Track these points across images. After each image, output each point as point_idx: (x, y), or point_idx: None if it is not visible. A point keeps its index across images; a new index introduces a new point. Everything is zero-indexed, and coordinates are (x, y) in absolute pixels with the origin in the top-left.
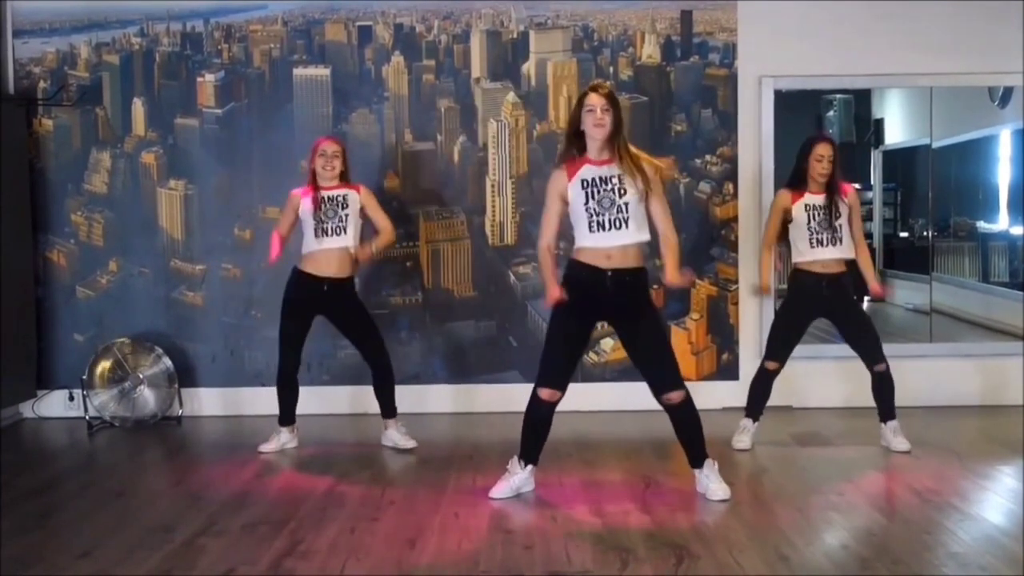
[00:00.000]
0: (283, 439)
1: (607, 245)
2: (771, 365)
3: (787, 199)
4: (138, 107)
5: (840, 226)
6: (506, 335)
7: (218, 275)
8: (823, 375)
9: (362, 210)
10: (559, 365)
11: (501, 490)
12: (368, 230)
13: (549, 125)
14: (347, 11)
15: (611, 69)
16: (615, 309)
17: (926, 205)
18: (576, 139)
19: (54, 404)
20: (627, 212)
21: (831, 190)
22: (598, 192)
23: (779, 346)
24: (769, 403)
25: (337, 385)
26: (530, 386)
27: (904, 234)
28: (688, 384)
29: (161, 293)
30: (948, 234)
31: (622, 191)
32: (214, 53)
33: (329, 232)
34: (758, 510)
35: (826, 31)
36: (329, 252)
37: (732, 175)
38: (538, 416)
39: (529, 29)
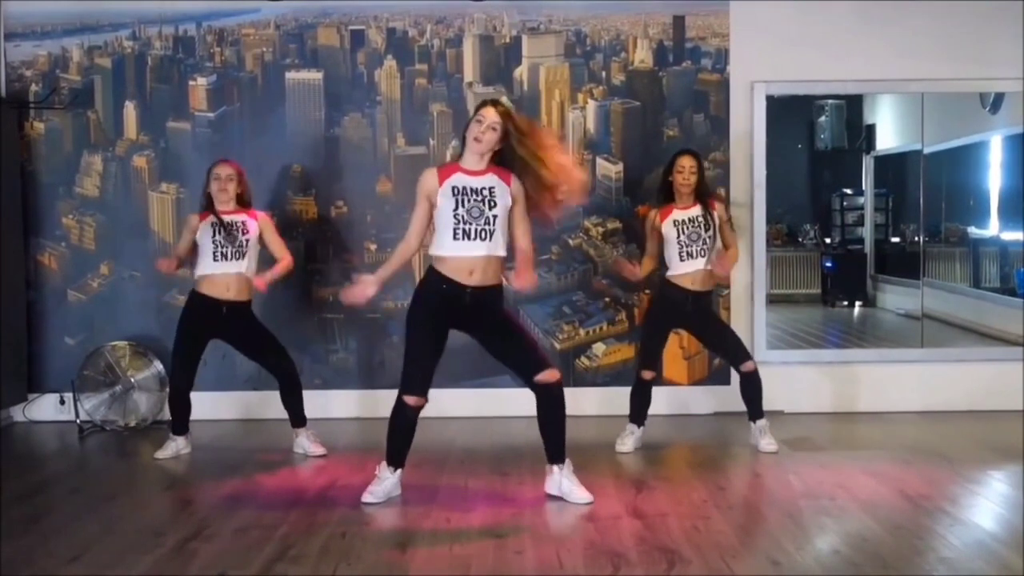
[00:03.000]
0: (179, 445)
1: (470, 255)
2: (647, 375)
3: (656, 219)
4: (130, 110)
5: (709, 238)
6: None
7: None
8: (814, 380)
9: (260, 236)
10: (424, 374)
11: (375, 495)
12: (265, 257)
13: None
14: (340, 15)
15: (603, 74)
16: (471, 322)
17: (917, 211)
18: (464, 144)
19: (45, 408)
20: (494, 225)
21: (703, 202)
22: (468, 200)
23: (651, 356)
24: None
25: (329, 389)
26: (523, 390)
27: (895, 239)
28: (680, 389)
29: (152, 297)
30: (939, 239)
31: (492, 203)
32: (206, 57)
33: (228, 256)
34: (749, 515)
35: (818, 37)
36: (227, 276)
37: (724, 180)
38: (405, 423)
39: (522, 34)
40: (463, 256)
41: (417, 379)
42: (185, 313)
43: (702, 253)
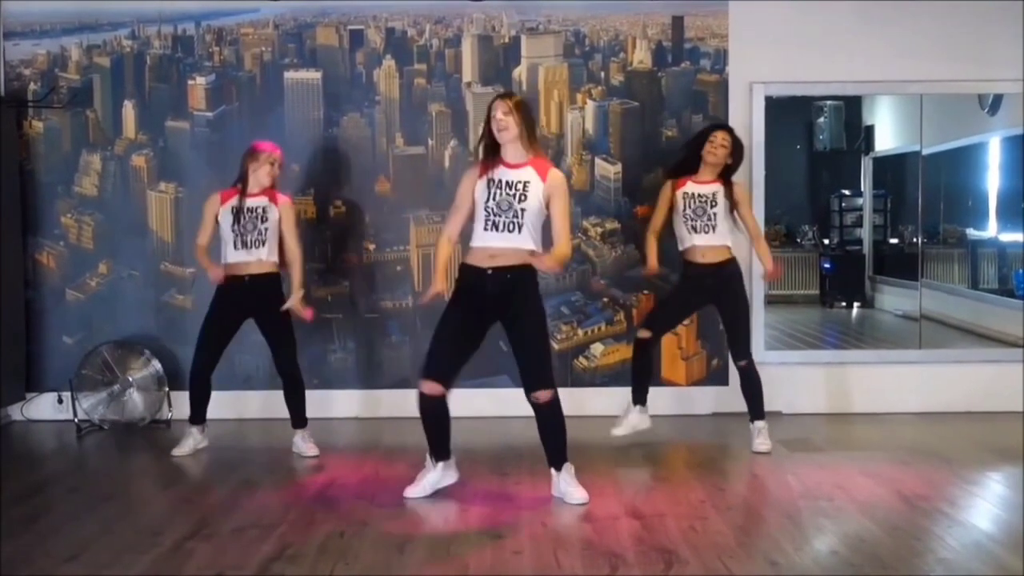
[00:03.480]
0: (196, 440)
1: (495, 245)
2: (643, 333)
3: (669, 190)
4: (129, 110)
5: (715, 215)
6: (496, 340)
7: (208, 278)
8: (812, 381)
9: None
10: (440, 359)
11: (415, 490)
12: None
13: (540, 130)
14: (339, 15)
15: (602, 74)
16: (498, 307)
17: (916, 212)
18: (492, 149)
19: (43, 407)
20: (522, 218)
21: (726, 180)
22: (500, 193)
23: (656, 316)
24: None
25: (327, 389)
26: (520, 390)
27: (894, 240)
28: (678, 390)
29: (151, 296)
30: (937, 241)
31: (523, 197)
32: (205, 56)
33: (249, 244)
34: (747, 516)
35: (817, 38)
36: (247, 263)
37: None
38: (426, 411)
39: (521, 34)
40: (489, 246)
41: (431, 364)
42: (213, 296)
43: (706, 229)
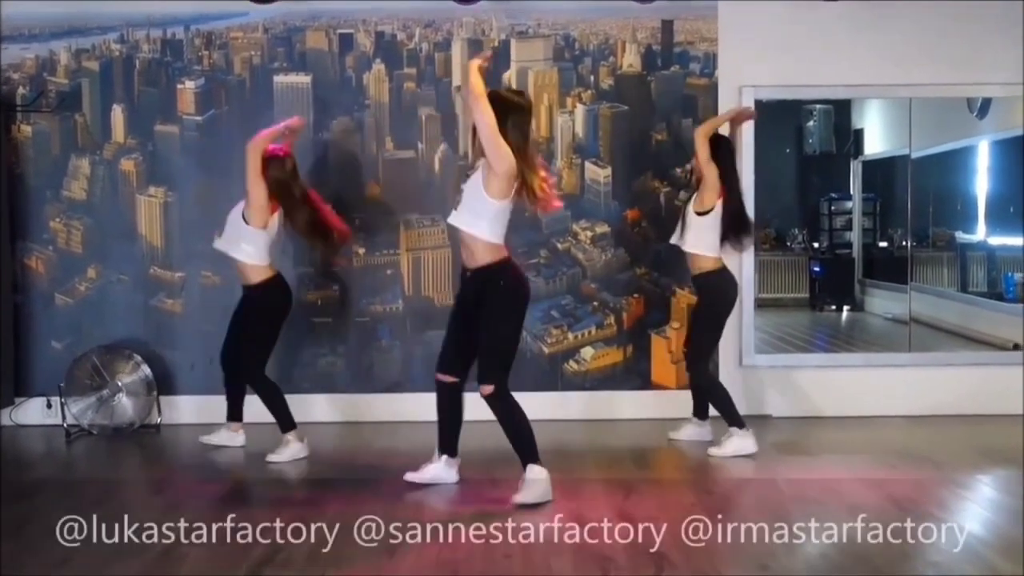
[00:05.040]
0: (224, 436)
1: (452, 224)
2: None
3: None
4: (118, 114)
5: (680, 219)
6: None
7: (197, 283)
8: (802, 384)
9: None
10: (447, 351)
11: (415, 476)
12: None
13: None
14: (328, 19)
15: (592, 78)
16: (475, 302)
17: (905, 215)
18: None
19: (32, 412)
20: (461, 196)
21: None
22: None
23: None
24: (749, 412)
25: (316, 393)
26: (514, 394)
27: (883, 244)
28: (668, 393)
29: (140, 301)
30: (927, 244)
31: (466, 178)
32: (194, 60)
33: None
34: (738, 519)
35: (806, 42)
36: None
37: None
38: (440, 400)
39: (511, 38)
40: (452, 226)
41: (439, 358)
42: None
43: (680, 234)
